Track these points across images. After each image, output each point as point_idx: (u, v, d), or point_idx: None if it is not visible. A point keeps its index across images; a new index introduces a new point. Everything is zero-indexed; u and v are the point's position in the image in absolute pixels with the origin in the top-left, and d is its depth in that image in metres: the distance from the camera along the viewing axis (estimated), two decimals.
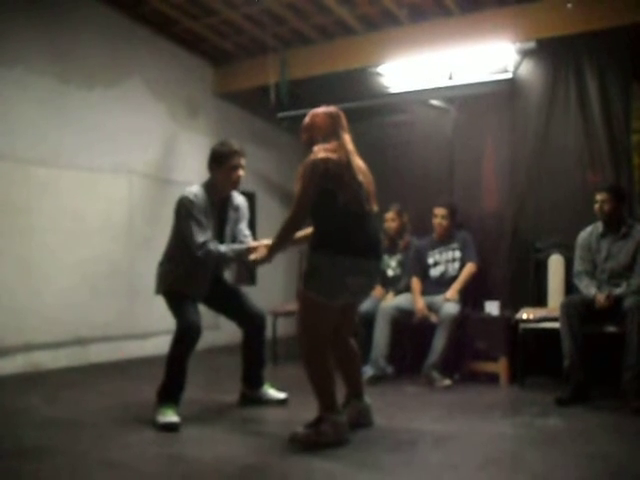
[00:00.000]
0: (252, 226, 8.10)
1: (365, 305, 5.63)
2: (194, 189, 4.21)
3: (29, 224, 5.69)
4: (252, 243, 4.26)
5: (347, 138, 3.65)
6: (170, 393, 3.99)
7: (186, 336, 4.01)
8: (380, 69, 6.71)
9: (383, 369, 5.30)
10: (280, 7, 6.26)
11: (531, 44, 5.82)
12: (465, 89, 6.25)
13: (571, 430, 3.87)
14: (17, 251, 5.50)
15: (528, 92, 5.91)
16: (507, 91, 5.99)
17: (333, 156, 3.50)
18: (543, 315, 5.02)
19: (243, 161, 4.26)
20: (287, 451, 3.39)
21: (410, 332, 5.57)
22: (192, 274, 4.18)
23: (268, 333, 6.28)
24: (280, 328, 6.45)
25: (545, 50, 5.83)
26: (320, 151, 3.53)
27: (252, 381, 4.53)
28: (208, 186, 4.26)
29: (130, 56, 6.72)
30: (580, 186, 5.56)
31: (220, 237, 4.28)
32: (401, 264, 5.90)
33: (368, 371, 5.24)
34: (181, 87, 7.33)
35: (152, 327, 6.39)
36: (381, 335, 5.33)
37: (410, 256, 5.82)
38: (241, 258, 4.23)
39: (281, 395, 4.53)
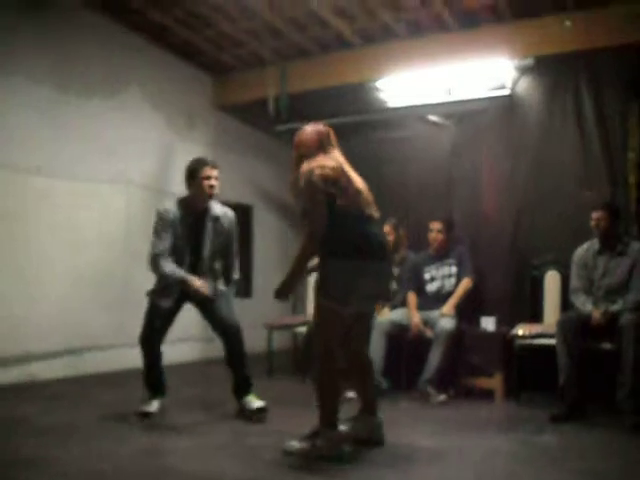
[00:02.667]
0: (249, 238, 8.14)
1: None
2: (168, 204, 4.49)
3: (25, 233, 5.68)
4: (189, 278, 4.35)
5: (337, 152, 3.67)
6: (148, 386, 4.48)
7: (141, 345, 4.42)
8: (378, 84, 6.73)
9: (378, 383, 5.27)
10: (279, 20, 6.29)
11: (529, 61, 5.86)
12: (463, 105, 6.29)
13: (566, 447, 3.87)
14: (13, 260, 5.49)
15: (526, 109, 5.96)
16: (505, 107, 6.03)
17: (328, 163, 3.52)
18: (539, 331, 5.02)
19: (215, 172, 4.47)
20: (280, 466, 3.37)
21: (405, 347, 5.56)
22: (165, 285, 4.41)
23: (262, 346, 6.34)
24: (276, 341, 6.43)
25: (543, 67, 5.87)
26: (312, 162, 3.53)
27: (235, 392, 4.62)
28: (184, 200, 4.52)
29: (129, 67, 6.73)
30: (576, 203, 5.58)
31: (198, 248, 4.49)
32: (397, 279, 5.90)
33: None
34: (179, 98, 7.34)
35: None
36: (376, 349, 5.31)
37: (406, 271, 5.82)
38: (182, 285, 4.36)
39: (259, 403, 4.52)
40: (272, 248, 8.45)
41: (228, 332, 4.51)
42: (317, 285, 3.52)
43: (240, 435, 4.01)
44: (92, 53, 6.33)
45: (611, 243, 4.82)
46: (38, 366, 5.72)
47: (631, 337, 4.34)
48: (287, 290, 3.68)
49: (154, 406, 4.42)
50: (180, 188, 7.10)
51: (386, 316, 5.55)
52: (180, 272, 4.35)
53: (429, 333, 5.32)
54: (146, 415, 4.35)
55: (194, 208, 4.50)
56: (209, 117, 7.76)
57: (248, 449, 3.71)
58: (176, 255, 4.42)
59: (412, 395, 5.19)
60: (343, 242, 3.47)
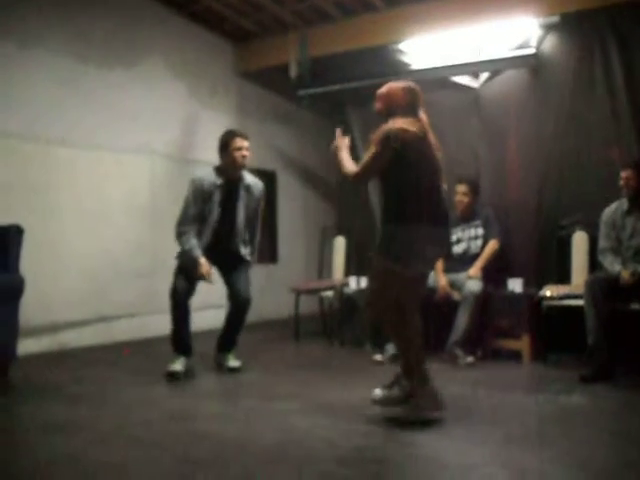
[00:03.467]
0: (273, 204, 8.14)
1: None
2: (202, 172, 4.86)
3: (50, 204, 5.72)
4: (200, 261, 4.63)
5: (423, 114, 3.64)
6: (174, 344, 4.71)
7: (170, 297, 4.66)
8: (401, 46, 6.66)
9: None
10: None
11: (554, 18, 5.74)
12: (488, 65, 6.19)
13: (595, 407, 3.87)
14: (38, 231, 5.50)
15: (552, 67, 5.85)
16: (531, 67, 5.93)
17: (411, 128, 3.49)
18: (566, 292, 5.00)
19: (246, 143, 4.77)
20: (305, 429, 3.41)
21: (433, 309, 5.55)
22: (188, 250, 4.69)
23: (289, 311, 6.38)
24: (302, 306, 6.45)
25: (569, 24, 5.76)
26: (398, 122, 3.51)
27: (219, 345, 4.99)
28: (218, 169, 4.84)
29: (150, 35, 6.71)
30: (604, 163, 5.50)
31: (232, 215, 4.80)
32: None
33: (391, 348, 5.26)
34: (201, 66, 7.32)
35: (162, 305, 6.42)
36: None
37: None
38: (190, 264, 4.65)
39: (235, 363, 4.88)
40: (296, 213, 8.45)
41: (240, 303, 4.84)
42: (380, 248, 3.53)
43: (267, 399, 4.04)
44: (113, 22, 6.32)
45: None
46: (68, 335, 5.80)
47: None
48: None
49: (179, 365, 4.63)
50: (204, 155, 7.19)
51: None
52: (197, 252, 4.63)
53: (456, 295, 5.31)
54: (172, 375, 4.56)
55: (227, 177, 4.78)
56: (231, 84, 7.73)
57: (277, 412, 3.74)
58: (210, 222, 4.72)
59: (440, 357, 5.20)
60: (413, 207, 3.48)
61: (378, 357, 5.26)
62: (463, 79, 6.42)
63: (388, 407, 3.59)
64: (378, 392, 3.61)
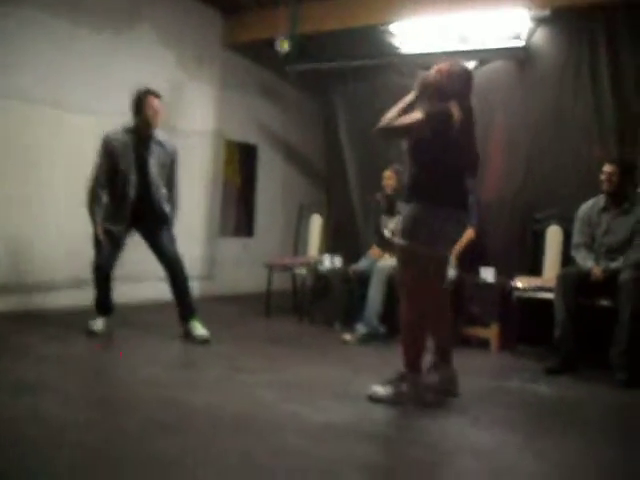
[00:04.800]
0: (253, 178, 8.12)
1: (361, 264, 5.70)
2: (112, 131, 4.86)
3: (37, 164, 5.65)
4: (96, 223, 4.77)
5: (470, 100, 3.65)
6: (96, 306, 4.93)
7: (93, 271, 4.87)
8: (392, 27, 6.63)
9: (376, 328, 5.34)
10: None
11: (546, 12, 5.74)
12: (476, 55, 6.19)
13: (559, 398, 3.95)
14: (24, 190, 5.45)
15: (540, 61, 5.86)
16: (519, 59, 5.95)
17: (459, 116, 3.51)
18: (538, 285, 5.05)
19: (159, 102, 4.86)
20: (271, 401, 3.43)
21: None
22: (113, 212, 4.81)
23: (262, 285, 6.38)
24: (275, 281, 6.46)
25: (560, 19, 5.75)
26: (453, 107, 3.51)
27: (180, 316, 4.97)
28: (130, 128, 4.86)
29: (140, 2, 6.62)
30: (585, 159, 5.53)
31: (144, 170, 4.81)
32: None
33: (361, 329, 5.30)
34: (190, 36, 7.23)
35: (147, 272, 6.38)
36: (376, 294, 5.36)
37: None
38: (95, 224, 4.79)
39: (202, 331, 4.87)
40: (275, 188, 8.42)
41: (170, 264, 4.92)
42: (405, 229, 3.54)
43: (235, 371, 4.05)
44: None
45: (618, 200, 4.80)
46: (40, 296, 5.75)
47: (629, 294, 4.36)
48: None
49: (99, 324, 4.86)
50: (186, 124, 7.15)
51: (387, 262, 5.57)
52: (98, 215, 4.75)
53: None
54: (92, 333, 4.78)
55: (139, 135, 4.84)
56: (218, 55, 7.64)
57: (244, 384, 3.76)
58: (121, 177, 4.77)
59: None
60: (441, 190, 3.51)
61: (347, 337, 5.30)
62: None
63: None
64: (379, 389, 3.56)
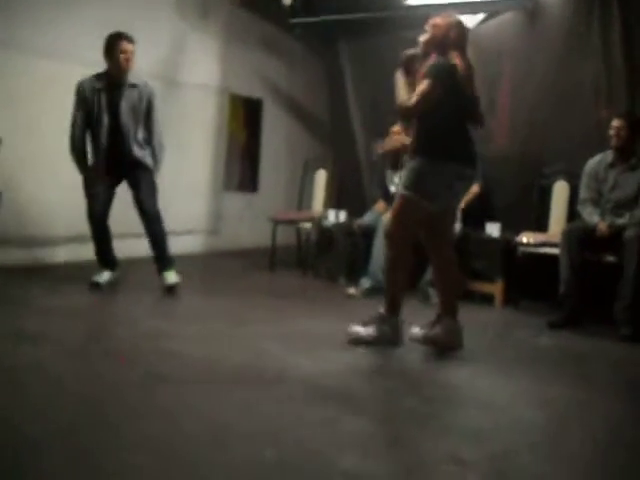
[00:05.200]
0: (257, 133, 8.06)
1: (367, 218, 5.68)
2: (84, 78, 4.80)
3: (33, 116, 5.57)
4: (80, 167, 4.84)
5: (466, 51, 3.63)
6: (97, 259, 4.94)
7: (88, 220, 4.82)
8: None
9: (380, 282, 5.31)
10: None
11: None
12: (485, 6, 6.09)
13: (561, 351, 3.96)
14: (19, 144, 5.38)
15: (550, 14, 5.74)
16: (529, 11, 5.83)
17: (461, 65, 3.52)
18: (543, 240, 5.03)
19: (130, 47, 4.75)
20: (274, 352, 3.44)
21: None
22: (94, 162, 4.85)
23: (267, 240, 6.37)
24: (280, 236, 6.45)
25: None
26: (455, 58, 3.52)
27: (157, 267, 4.94)
28: (101, 74, 4.81)
29: None
30: (592, 115, 5.45)
31: (116, 114, 4.76)
32: None
33: (365, 283, 5.30)
34: None
35: None
36: (381, 248, 5.33)
37: None
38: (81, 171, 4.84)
39: (171, 280, 4.85)
40: (280, 143, 8.36)
41: (147, 215, 4.85)
42: (410, 180, 3.55)
43: (239, 324, 4.06)
44: None
45: (625, 156, 4.74)
46: (43, 250, 5.76)
47: (634, 251, 4.33)
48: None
49: (102, 278, 4.85)
50: (190, 77, 7.07)
51: None
52: (82, 165, 4.81)
53: None
54: (95, 285, 4.78)
55: (111, 80, 4.77)
56: (221, 8, 7.53)
57: (247, 336, 3.77)
58: (95, 123, 4.75)
59: (413, 295, 5.25)
60: (448, 145, 3.53)
61: (352, 290, 5.30)
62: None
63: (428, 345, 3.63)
64: (417, 331, 3.68)
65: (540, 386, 3.17)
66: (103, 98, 4.74)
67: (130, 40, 4.77)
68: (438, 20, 3.61)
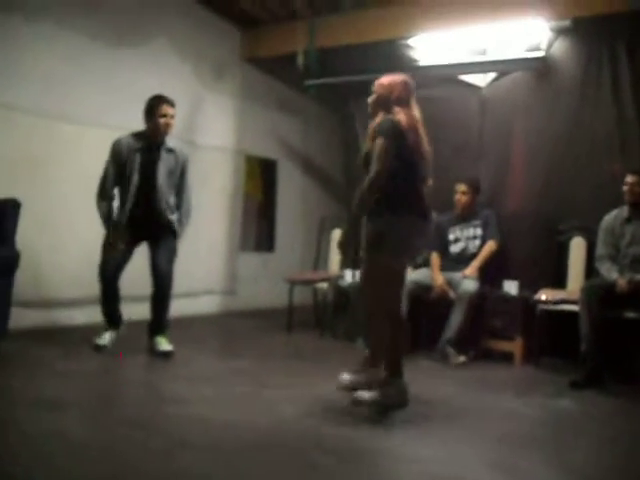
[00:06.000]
0: (273, 193, 8.13)
1: None
2: (122, 136, 4.83)
3: (51, 179, 5.66)
4: (107, 228, 4.78)
5: (415, 108, 3.71)
6: (103, 318, 4.85)
7: (98, 275, 4.77)
8: (410, 41, 6.62)
9: None
10: None
11: (566, 22, 5.70)
12: (496, 66, 6.17)
13: (584, 413, 3.88)
14: (37, 206, 5.44)
15: (560, 72, 5.81)
16: (539, 70, 5.90)
17: (408, 121, 3.58)
18: (562, 297, 5.00)
19: (172, 110, 4.81)
20: (294, 417, 3.41)
21: (427, 307, 5.56)
22: (117, 221, 4.80)
23: (283, 300, 6.36)
24: (296, 296, 6.44)
25: (580, 29, 5.70)
26: (398, 113, 3.59)
27: (149, 328, 4.90)
28: (140, 133, 4.83)
29: (158, 16, 6.65)
30: (607, 171, 5.47)
31: (152, 177, 4.76)
32: None
33: None
34: (208, 50, 7.28)
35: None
36: None
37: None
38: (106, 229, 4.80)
39: (166, 347, 4.79)
40: (295, 203, 8.43)
41: (159, 278, 4.79)
42: (372, 242, 3.56)
43: (258, 386, 4.03)
44: (122, 1, 6.26)
45: None
46: (60, 312, 5.77)
47: None
48: (350, 235, 3.68)
49: (106, 339, 4.81)
50: (207, 139, 7.18)
51: (409, 276, 5.53)
52: (105, 215, 4.76)
53: (452, 294, 5.31)
54: (99, 348, 4.74)
55: (150, 141, 4.79)
56: (237, 70, 7.69)
57: (267, 400, 3.74)
58: (128, 184, 4.74)
59: (432, 355, 5.21)
60: (404, 199, 3.55)
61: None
62: (470, 78, 6.39)
63: (353, 391, 3.61)
64: (345, 377, 3.69)
65: (566, 450, 3.11)
66: (140, 159, 4.74)
67: (171, 104, 4.81)
68: (383, 80, 3.73)
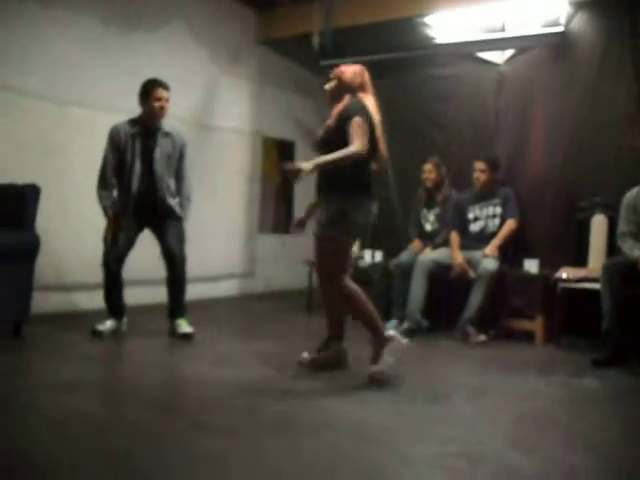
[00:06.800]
0: None
1: (403, 257, 5.65)
2: (118, 122, 4.81)
3: (67, 165, 5.68)
4: (107, 214, 4.79)
5: (371, 95, 3.92)
6: (106, 306, 4.87)
7: (102, 267, 4.82)
8: (427, 19, 6.55)
9: (418, 322, 5.29)
10: None
11: None
12: (514, 42, 6.08)
13: (606, 391, 3.86)
14: (54, 191, 5.45)
15: (580, 47, 5.72)
16: (558, 45, 5.82)
17: (372, 106, 3.85)
18: (583, 275, 4.96)
19: (166, 93, 4.77)
20: (315, 398, 3.41)
21: (447, 286, 5.54)
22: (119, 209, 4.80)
23: (302, 282, 6.36)
24: (315, 277, 6.42)
25: (600, 3, 5.61)
26: (363, 99, 3.84)
27: (168, 311, 4.96)
28: (136, 119, 4.82)
29: (172, 0, 6.63)
30: (628, 146, 5.40)
31: (150, 161, 4.77)
32: (439, 218, 5.85)
33: (405, 324, 5.27)
34: (224, 33, 7.24)
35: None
36: (418, 288, 5.32)
37: (449, 210, 5.76)
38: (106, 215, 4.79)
39: (187, 329, 4.84)
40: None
41: (172, 261, 4.84)
42: (331, 221, 3.76)
43: (278, 369, 4.03)
44: None
45: None
46: (80, 296, 5.80)
47: None
48: (300, 169, 3.68)
49: (107, 325, 4.80)
50: (223, 122, 7.16)
51: (428, 255, 5.52)
52: (107, 204, 4.76)
53: (472, 273, 5.28)
54: (98, 334, 4.70)
55: (146, 126, 4.79)
56: (253, 52, 7.66)
57: (284, 382, 3.74)
58: (127, 168, 4.75)
59: (452, 334, 5.20)
60: (359, 182, 3.77)
61: (390, 331, 5.24)
62: (487, 54, 6.31)
63: (316, 370, 3.92)
64: (306, 355, 4.02)
65: (588, 430, 3.08)
66: (137, 144, 4.74)
67: (165, 87, 4.78)
68: (343, 68, 3.95)
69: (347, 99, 3.82)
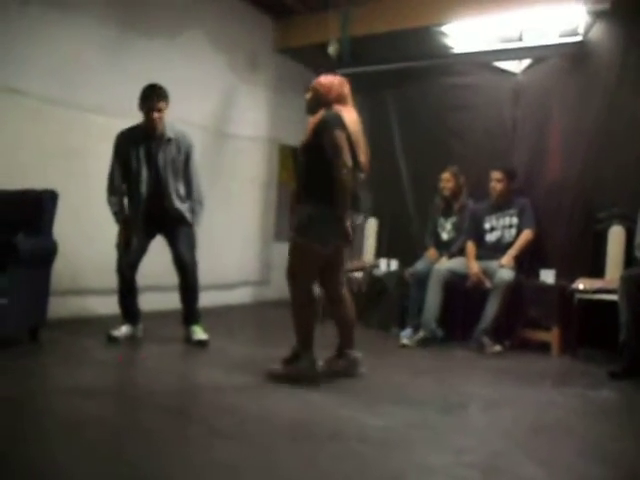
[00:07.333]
0: None
1: (418, 266, 5.63)
2: (124, 129, 4.83)
3: (86, 171, 5.71)
4: (118, 221, 4.81)
5: (351, 106, 3.93)
6: (121, 312, 4.90)
7: (116, 273, 4.87)
8: (444, 28, 6.56)
9: (433, 332, 5.28)
10: None
11: (604, 5, 5.58)
12: (531, 52, 6.08)
13: (623, 403, 3.84)
14: (73, 197, 5.47)
15: (598, 56, 5.71)
16: (576, 55, 5.80)
17: (348, 118, 3.81)
18: (600, 286, 4.93)
19: (160, 104, 4.68)
20: (328, 406, 3.40)
21: (462, 296, 5.52)
22: (130, 216, 4.81)
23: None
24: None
25: (618, 12, 5.59)
26: (339, 111, 3.80)
27: (183, 319, 4.96)
28: (140, 125, 4.80)
29: (191, 7, 6.67)
30: None
31: (156, 168, 4.75)
32: (456, 227, 5.84)
33: (420, 333, 5.26)
34: (241, 40, 7.28)
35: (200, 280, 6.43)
36: (433, 297, 5.30)
37: (466, 219, 5.75)
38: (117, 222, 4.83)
39: (202, 336, 4.84)
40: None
41: (183, 268, 4.85)
42: (300, 227, 3.83)
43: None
44: None
45: None
46: (95, 301, 5.82)
47: None
48: (346, 229, 3.77)
49: (122, 331, 4.82)
50: (240, 129, 7.18)
51: (444, 264, 5.50)
52: (117, 210, 4.78)
53: (488, 283, 5.26)
54: (114, 340, 4.73)
55: (147, 133, 4.76)
56: (270, 60, 7.70)
57: (297, 390, 3.72)
58: (134, 175, 4.75)
59: (467, 344, 5.18)
60: (324, 191, 3.73)
61: (405, 341, 5.24)
62: (504, 64, 6.30)
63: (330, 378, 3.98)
64: (320, 364, 4.07)
65: (605, 441, 3.06)
66: (142, 150, 4.74)
67: (160, 96, 4.70)
68: (321, 79, 3.94)
69: (322, 112, 3.83)
